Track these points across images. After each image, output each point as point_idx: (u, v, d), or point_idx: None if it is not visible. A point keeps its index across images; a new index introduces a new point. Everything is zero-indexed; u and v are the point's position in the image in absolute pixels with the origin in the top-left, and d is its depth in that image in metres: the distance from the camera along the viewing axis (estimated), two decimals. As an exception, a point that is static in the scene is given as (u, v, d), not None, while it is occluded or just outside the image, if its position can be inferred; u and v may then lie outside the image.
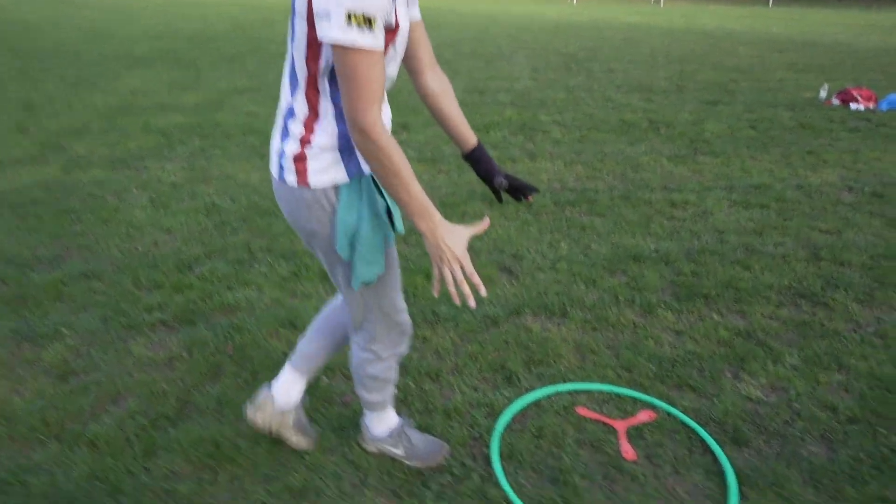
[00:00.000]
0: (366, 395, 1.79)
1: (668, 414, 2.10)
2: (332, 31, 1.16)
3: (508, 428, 2.04)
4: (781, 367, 2.35)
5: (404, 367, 2.33)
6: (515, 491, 1.78)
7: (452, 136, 1.58)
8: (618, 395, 2.20)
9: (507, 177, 1.62)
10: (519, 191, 1.65)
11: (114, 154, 5.04)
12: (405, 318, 1.68)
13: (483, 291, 1.34)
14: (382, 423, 1.86)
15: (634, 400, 2.18)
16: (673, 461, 1.90)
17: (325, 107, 1.35)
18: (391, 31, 1.29)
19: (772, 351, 2.46)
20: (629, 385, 2.25)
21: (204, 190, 4.25)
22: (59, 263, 3.15)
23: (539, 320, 2.69)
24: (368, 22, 1.15)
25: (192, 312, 2.70)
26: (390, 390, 1.82)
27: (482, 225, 1.39)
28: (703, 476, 1.85)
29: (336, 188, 1.40)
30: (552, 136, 5.80)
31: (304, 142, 1.37)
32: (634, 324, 2.66)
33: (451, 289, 1.34)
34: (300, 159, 1.38)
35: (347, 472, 1.85)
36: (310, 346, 1.84)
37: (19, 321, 2.61)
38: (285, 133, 1.40)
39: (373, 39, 1.18)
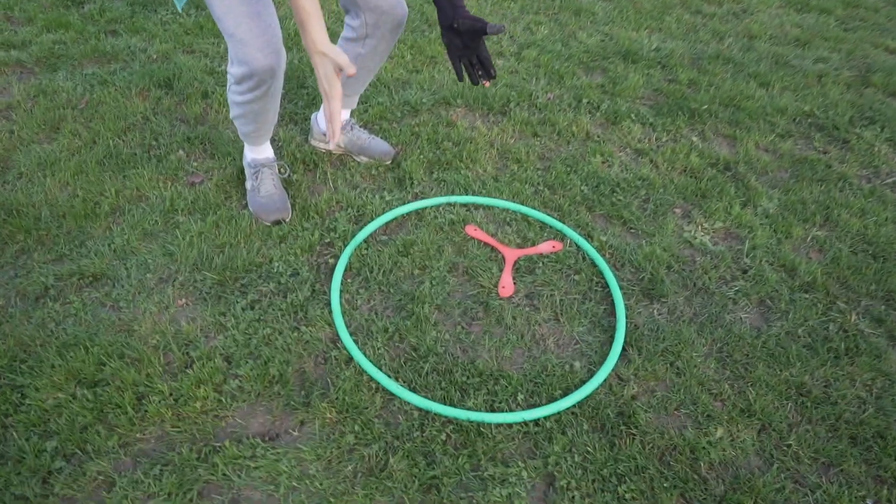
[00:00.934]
0: (234, 120, 1.62)
1: (578, 248, 1.68)
2: None
3: (373, 239, 1.66)
4: (749, 212, 1.85)
5: (279, 149, 1.90)
6: (345, 315, 1.45)
7: None
8: (524, 217, 1.77)
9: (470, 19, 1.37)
10: (476, 34, 1.38)
11: None
12: (241, 49, 1.36)
13: (332, 143, 1.32)
14: (250, 151, 1.72)
15: (543, 225, 1.75)
16: (557, 305, 1.52)
17: None
18: None
19: (748, 190, 1.94)
20: (545, 207, 1.80)
21: (137, -86, 3.50)
22: (-69, -19, 2.64)
23: (470, 116, 2.16)
24: None
25: (58, 57, 2.24)
26: (257, 128, 1.61)
27: (347, 69, 1.29)
28: (588, 328, 1.48)
29: None
30: None
31: None
32: (588, 134, 2.13)
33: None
34: None
35: (159, 262, 1.53)
36: None
37: None
38: None
39: None
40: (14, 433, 1.16)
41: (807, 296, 1.60)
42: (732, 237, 1.78)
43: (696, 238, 1.75)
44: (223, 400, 1.26)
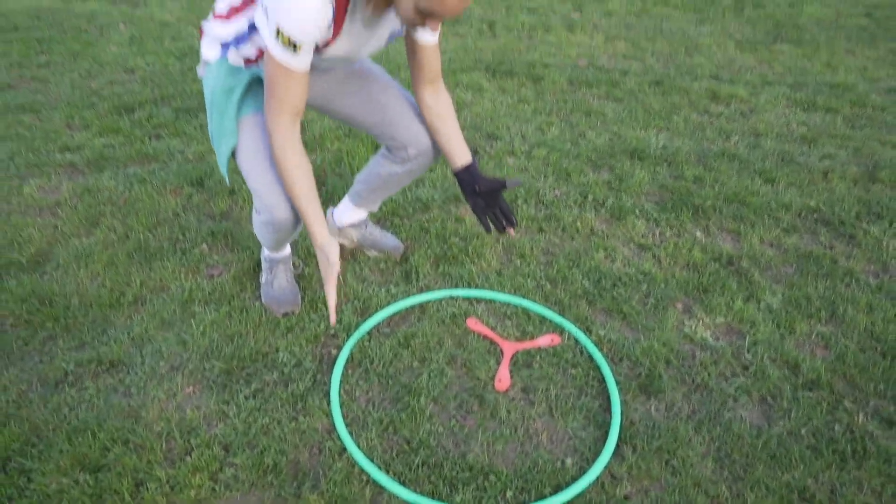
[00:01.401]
0: (255, 232, 1.73)
1: (576, 342, 1.70)
2: (264, 32, 1.27)
3: (376, 330, 1.72)
4: (752, 307, 1.86)
5: (295, 243, 2.02)
6: (343, 406, 1.49)
7: (443, 152, 1.64)
8: (525, 311, 1.81)
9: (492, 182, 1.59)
10: (495, 192, 1.59)
11: (121, -13, 4.75)
12: (263, 202, 1.50)
13: (331, 321, 1.50)
14: (267, 249, 1.80)
15: (542, 319, 1.79)
16: (552, 400, 1.54)
17: (243, 20, 1.43)
18: (317, 49, 1.35)
19: (751, 285, 1.96)
20: (546, 301, 1.85)
21: (191, 32, 3.91)
22: (5, 92, 2.98)
23: (478, 212, 2.26)
24: (293, 46, 1.25)
25: (105, 159, 2.47)
26: (276, 244, 1.72)
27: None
28: (582, 423, 1.48)
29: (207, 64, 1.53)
30: (608, 6, 4.94)
31: (216, 17, 1.47)
32: (592, 230, 2.20)
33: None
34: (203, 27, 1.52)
35: (173, 351, 1.62)
36: (357, 185, 1.89)
37: (-69, 146, 2.49)
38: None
39: (295, 61, 1.28)
40: (16, 516, 1.21)
41: (811, 394, 1.58)
42: (734, 332, 1.78)
43: (696, 333, 1.76)
44: (217, 489, 1.29)
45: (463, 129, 2.85)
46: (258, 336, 1.67)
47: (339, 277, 1.50)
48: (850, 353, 1.70)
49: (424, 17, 1.22)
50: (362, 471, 1.33)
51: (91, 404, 1.46)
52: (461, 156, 1.61)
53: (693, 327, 1.78)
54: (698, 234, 2.21)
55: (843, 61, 4.03)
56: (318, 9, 1.21)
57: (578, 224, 2.21)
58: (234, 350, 1.62)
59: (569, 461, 1.38)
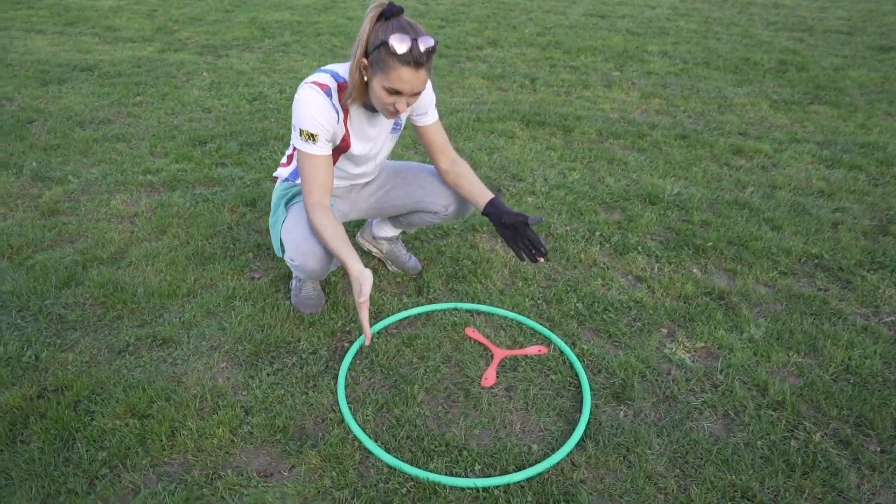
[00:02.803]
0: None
1: (561, 353, 1.90)
2: (294, 139, 1.74)
3: (384, 332, 1.97)
4: (733, 336, 2.00)
5: (326, 258, 2.32)
6: (347, 388, 1.74)
7: (468, 200, 1.96)
8: (518, 324, 2.02)
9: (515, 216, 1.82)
10: (520, 225, 1.81)
11: (209, 41, 5.40)
12: (293, 252, 1.81)
13: (366, 342, 1.73)
14: None
15: (534, 332, 1.99)
16: (531, 398, 1.73)
17: (295, 162, 1.94)
18: (342, 149, 1.81)
19: (736, 317, 2.10)
20: (540, 319, 2.06)
21: (262, 80, 4.43)
22: (104, 125, 3.50)
23: (492, 241, 2.51)
24: (311, 137, 1.69)
25: (178, 181, 2.89)
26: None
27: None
28: (553, 418, 1.67)
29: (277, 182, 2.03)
30: (649, 66, 5.20)
31: (280, 166, 2.02)
32: (595, 261, 2.40)
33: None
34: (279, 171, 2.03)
35: (213, 335, 1.92)
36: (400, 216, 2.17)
37: (43, 163, 2.98)
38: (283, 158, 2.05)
39: (315, 148, 1.71)
40: (79, 444, 1.51)
41: (773, 413, 1.71)
42: (711, 356, 1.93)
43: (675, 354, 1.92)
44: (235, 440, 1.55)
45: (490, 169, 3.15)
46: (285, 328, 1.95)
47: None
48: (821, 383, 1.81)
49: (393, 96, 1.58)
50: (355, 438, 1.57)
51: (144, 369, 1.77)
52: (483, 196, 1.89)
53: (673, 349, 1.94)
54: (695, 270, 2.37)
55: (880, 123, 4.10)
56: (321, 103, 1.66)
57: (582, 256, 2.42)
58: (263, 337, 1.90)
59: (535, 447, 1.57)
